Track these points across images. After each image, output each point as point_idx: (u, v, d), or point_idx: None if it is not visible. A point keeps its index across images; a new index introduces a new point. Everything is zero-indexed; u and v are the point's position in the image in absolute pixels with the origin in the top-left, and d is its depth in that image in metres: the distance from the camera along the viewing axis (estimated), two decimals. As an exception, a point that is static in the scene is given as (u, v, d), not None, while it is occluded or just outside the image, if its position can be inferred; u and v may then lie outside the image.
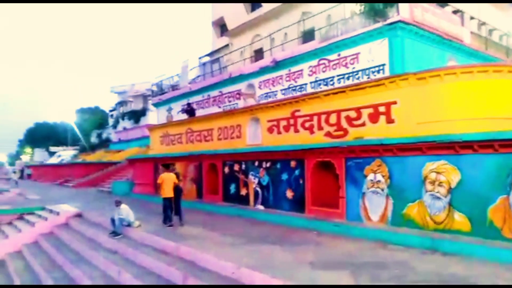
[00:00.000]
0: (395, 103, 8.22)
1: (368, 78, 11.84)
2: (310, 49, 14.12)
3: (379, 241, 7.38)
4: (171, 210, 10.13)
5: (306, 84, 14.33)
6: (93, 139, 54.93)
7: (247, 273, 5.86)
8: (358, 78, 12.27)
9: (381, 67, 11.81)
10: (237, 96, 17.60)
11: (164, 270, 7.09)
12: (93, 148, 48.53)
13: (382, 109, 8.41)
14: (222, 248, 7.36)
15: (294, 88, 14.74)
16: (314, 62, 14.00)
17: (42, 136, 67.22)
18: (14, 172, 38.45)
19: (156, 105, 25.06)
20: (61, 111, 54.46)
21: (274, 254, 6.77)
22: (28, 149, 67.25)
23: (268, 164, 10.81)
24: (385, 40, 11.74)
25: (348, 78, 12.74)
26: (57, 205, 14.63)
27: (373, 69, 12.02)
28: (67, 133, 55.39)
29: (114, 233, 9.83)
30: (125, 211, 10.00)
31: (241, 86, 17.41)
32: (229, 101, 18.12)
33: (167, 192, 10.03)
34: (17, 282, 9.51)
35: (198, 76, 23.01)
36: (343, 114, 9.17)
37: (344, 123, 9.16)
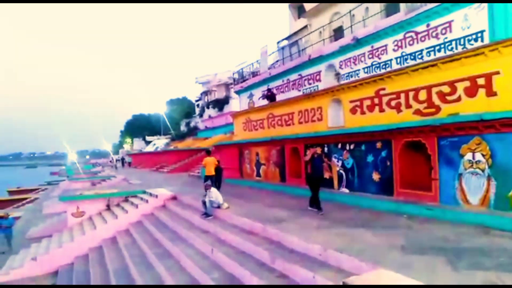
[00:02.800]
0: (497, 73, 7.30)
1: (463, 48, 10.70)
2: (395, 22, 13.20)
3: (479, 226, 6.75)
4: (214, 185, 12.01)
5: (390, 60, 13.48)
6: (183, 127, 58.92)
7: (334, 255, 5.85)
8: (451, 49, 11.17)
9: (479, 35, 10.57)
10: (317, 78, 17.29)
11: (253, 250, 7.42)
12: (182, 136, 52.10)
13: (481, 81, 7.55)
14: (308, 230, 7.42)
15: (377, 65, 13.99)
16: (399, 36, 13.08)
17: (139, 126, 74.07)
18: (118, 161, 43.10)
19: (238, 92, 25.84)
20: (154, 103, 59.16)
21: (362, 237, 6.63)
22: (128, 139, 74.78)
23: (352, 146, 10.52)
24: (484, 4, 10.44)
25: (439, 50, 11.67)
26: (155, 189, 16.11)
27: (469, 38, 10.82)
28: (159, 123, 60.14)
29: (206, 214, 10.53)
30: (214, 194, 10.63)
31: (321, 67, 17.05)
32: (309, 84, 17.90)
33: (209, 171, 12.91)
34: (126, 256, 10.80)
35: (277, 61, 23.10)
36: (434, 90, 8.45)
37: (435, 99, 8.44)
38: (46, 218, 21.37)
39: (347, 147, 10.65)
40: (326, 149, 11.37)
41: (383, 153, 9.44)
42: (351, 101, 10.91)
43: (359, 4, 16.61)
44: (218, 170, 13.31)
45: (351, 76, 15.11)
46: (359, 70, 14.90)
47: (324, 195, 10.89)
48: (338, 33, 19.15)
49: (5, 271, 12.06)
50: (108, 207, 16.09)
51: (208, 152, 14.70)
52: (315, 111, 12.50)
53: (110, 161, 52.47)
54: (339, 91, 11.52)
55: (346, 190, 10.71)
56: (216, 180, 13.06)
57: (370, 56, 14.38)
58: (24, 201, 37.12)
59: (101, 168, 44.36)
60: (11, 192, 47.84)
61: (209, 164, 13.13)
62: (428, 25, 12.07)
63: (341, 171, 10.93)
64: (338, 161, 11.02)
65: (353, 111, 10.89)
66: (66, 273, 11.63)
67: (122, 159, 42.67)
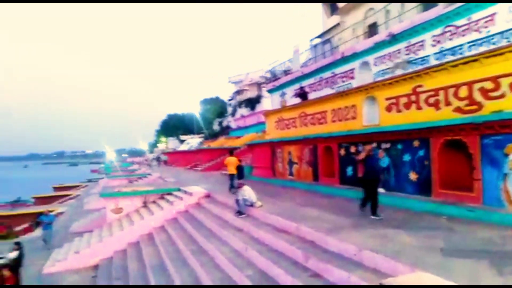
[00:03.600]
0: (546, 68, 6.88)
1: (508, 41, 10.14)
2: (433, 17, 12.72)
3: (526, 230, 6.40)
4: (233, 182, 13.81)
5: (428, 56, 13.02)
6: (215, 127, 59.71)
7: (369, 256, 5.75)
8: (494, 43, 10.62)
9: (525, 27, 9.99)
10: (351, 76, 16.99)
11: (286, 249, 7.43)
12: (215, 135, 52.81)
13: (528, 76, 7.14)
14: (343, 230, 7.33)
15: (414, 61, 13.54)
16: (438, 30, 12.61)
17: (173, 126, 75.79)
18: (153, 159, 44.30)
19: (270, 91, 25.86)
20: (188, 103, 60.35)
21: (399, 238, 6.46)
22: (163, 138, 76.72)
23: (387, 145, 10.27)
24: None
25: (481, 45, 11.13)
26: (190, 187, 16.46)
27: (514, 31, 10.25)
28: (193, 122, 61.25)
29: (239, 213, 10.65)
30: (247, 192, 10.72)
31: (355, 65, 16.74)
32: (342, 82, 17.63)
33: (231, 170, 14.02)
34: (162, 251, 11.13)
35: (310, 59, 22.91)
36: (476, 86, 8.07)
37: (477, 96, 8.07)
38: (87, 214, 22.40)
39: (383, 146, 10.40)
40: (360, 148, 11.17)
41: (421, 152, 9.14)
42: (387, 99, 10.64)
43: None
44: (240, 168, 14.27)
45: (386, 73, 14.73)
46: (394, 66, 14.48)
47: (359, 194, 10.73)
48: (372, 29, 18.72)
49: (51, 263, 12.78)
50: (145, 204, 16.62)
51: (231, 152, 15.79)
52: (349, 109, 12.30)
53: (146, 160, 54.07)
54: (373, 88, 11.27)
55: (382, 190, 10.44)
56: (238, 178, 13.88)
57: (407, 52, 13.94)
58: (67, 197, 39.11)
59: (138, 166, 45.86)
60: (56, 189, 50.58)
61: (231, 163, 14.14)
62: (469, 19, 11.55)
63: (376, 170, 10.67)
64: (373, 160, 10.78)
65: (388, 109, 10.62)
66: (106, 267, 12.15)
67: (158, 157, 43.85)
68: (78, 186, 52.21)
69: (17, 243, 11.50)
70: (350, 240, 6.50)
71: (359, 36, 19.17)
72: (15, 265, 10.64)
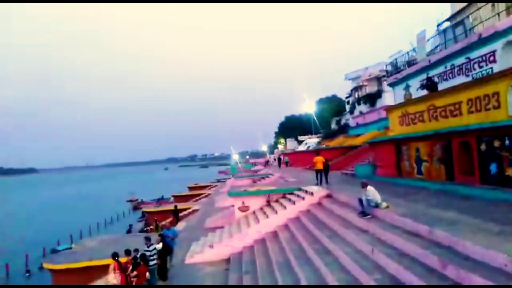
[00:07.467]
0: None
1: None
2: None
3: None
4: (321, 177, 17.43)
5: None
6: (333, 125, 58.84)
7: (525, 267, 4.93)
8: None
9: None
10: (491, 59, 14.78)
11: (418, 253, 6.87)
12: (333, 134, 52.00)
13: None
14: (487, 235, 6.42)
15: None
16: None
17: (291, 127, 77.49)
18: (275, 160, 45.80)
19: (392, 85, 24.28)
20: (304, 104, 60.73)
21: None
22: (281, 140, 79.02)
23: (544, 137, 8.61)
24: None
25: None
26: (310, 186, 16.57)
27: None
28: (310, 123, 61.49)
29: (363, 213, 10.27)
30: (372, 192, 10.26)
31: (496, 46, 14.52)
32: (480, 67, 15.46)
33: (318, 166, 17.54)
34: (286, 249, 11.46)
35: (437, 46, 20.71)
36: None
37: None
38: (217, 211, 24.56)
39: (538, 139, 8.76)
40: (507, 141, 9.62)
41: None
42: (541, 82, 8.92)
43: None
44: (326, 166, 17.60)
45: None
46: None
47: (506, 196, 9.27)
48: (517, 2, 15.93)
49: (190, 255, 14.38)
50: (268, 203, 17.37)
51: (317, 153, 19.23)
52: (490, 98, 10.68)
53: (267, 161, 56.42)
54: (522, 71, 9.57)
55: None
56: (324, 174, 17.48)
57: None
58: (201, 196, 43.48)
59: (263, 166, 48.19)
60: (190, 188, 56.82)
61: (318, 162, 17.61)
62: None
63: (530, 167, 9.05)
64: (524, 156, 9.17)
65: (544, 94, 8.89)
66: (237, 260, 13.09)
67: (279, 158, 45.27)
68: (209, 186, 57.60)
69: (160, 235, 13.25)
70: (498, 247, 5.66)
71: (501, 12, 16.52)
72: (162, 254, 12.32)
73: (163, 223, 21.47)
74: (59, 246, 32.39)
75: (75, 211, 62.11)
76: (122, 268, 10.96)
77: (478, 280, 5.16)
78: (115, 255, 11.13)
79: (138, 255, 11.38)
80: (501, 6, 16.59)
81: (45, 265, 18.17)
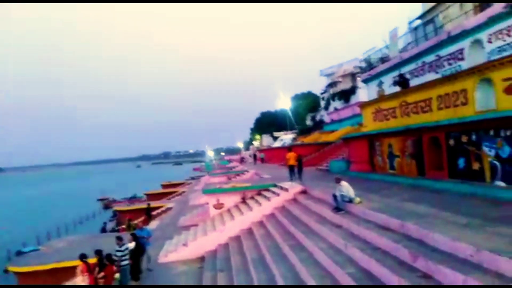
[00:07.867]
0: None
1: None
2: None
3: None
4: (294, 173, 17.13)
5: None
6: (308, 122, 59.32)
7: (489, 257, 5.04)
8: None
9: None
10: (460, 57, 15.22)
11: (390, 247, 6.96)
12: (308, 130, 52.43)
13: None
14: (454, 227, 6.57)
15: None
16: None
17: (266, 123, 77.48)
18: (250, 156, 45.78)
19: (366, 81, 24.67)
20: (279, 100, 60.79)
21: (528, 239, 5.54)
22: (257, 136, 79.01)
23: (508, 133, 8.89)
24: None
25: None
26: (285, 183, 16.58)
27: None
28: (285, 119, 61.73)
29: (337, 209, 10.33)
30: (345, 188, 10.34)
31: (464, 44, 14.96)
32: (449, 64, 15.91)
33: (291, 162, 17.15)
34: (262, 245, 11.40)
35: (409, 43, 21.18)
36: None
37: None
38: (192, 209, 24.23)
39: (502, 134, 9.05)
40: (474, 136, 9.91)
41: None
42: (505, 79, 9.21)
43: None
44: (299, 162, 17.36)
45: (504, 51, 12.81)
46: (515, 41, 12.53)
47: (472, 189, 9.56)
48: (484, 3, 16.47)
49: (164, 254, 14.08)
50: (243, 200, 17.26)
51: (289, 149, 19.88)
52: (458, 95, 10.98)
53: (242, 158, 56.32)
54: (489, 69, 9.85)
55: (502, 184, 9.12)
56: (298, 170, 17.19)
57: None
58: (174, 194, 42.88)
59: (238, 163, 48.01)
60: (164, 186, 55.93)
61: (291, 158, 17.35)
62: None
63: (495, 161, 9.35)
64: (490, 151, 9.46)
65: (508, 90, 9.18)
66: (211, 258, 12.93)
67: (254, 155, 45.23)
68: (183, 183, 56.93)
69: (133, 235, 12.87)
70: (465, 239, 5.79)
71: (468, 11, 17.05)
72: (135, 254, 11.97)
73: (135, 222, 20.97)
74: (25, 248, 31.08)
75: (42, 211, 59.80)
76: (90, 270, 10.59)
77: (447, 271, 5.25)
78: (83, 256, 10.74)
79: (104, 256, 11.00)
80: (469, 5, 17.10)
81: (10, 268, 17.37)
